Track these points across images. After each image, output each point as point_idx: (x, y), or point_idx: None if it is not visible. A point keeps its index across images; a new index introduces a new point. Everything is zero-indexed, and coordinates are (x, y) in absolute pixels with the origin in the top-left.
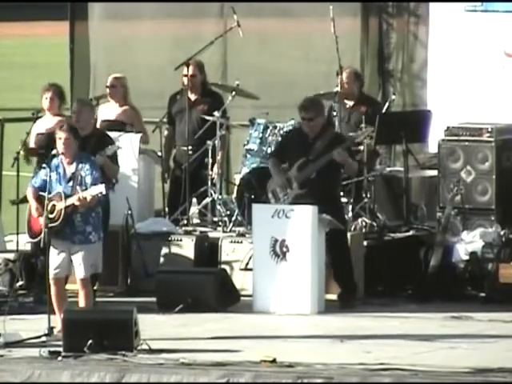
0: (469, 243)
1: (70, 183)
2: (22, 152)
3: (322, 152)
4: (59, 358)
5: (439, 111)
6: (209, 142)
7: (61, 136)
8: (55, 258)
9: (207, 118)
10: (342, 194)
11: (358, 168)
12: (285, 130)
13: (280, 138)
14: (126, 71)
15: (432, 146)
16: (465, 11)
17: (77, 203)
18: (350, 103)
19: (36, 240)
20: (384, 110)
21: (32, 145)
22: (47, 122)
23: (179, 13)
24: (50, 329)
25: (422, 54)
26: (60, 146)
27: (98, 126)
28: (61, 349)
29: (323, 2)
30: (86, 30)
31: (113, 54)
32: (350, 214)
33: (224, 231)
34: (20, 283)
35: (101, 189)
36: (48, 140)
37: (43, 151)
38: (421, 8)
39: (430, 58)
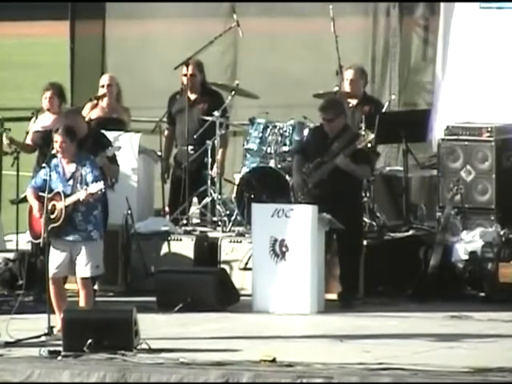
0: (468, 243)
1: (70, 182)
2: None
3: (337, 153)
4: (59, 358)
5: (448, 110)
6: (208, 142)
7: (57, 139)
8: (56, 257)
9: (206, 118)
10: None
11: (368, 171)
12: (310, 126)
13: (305, 135)
14: (138, 70)
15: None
16: (480, 8)
17: (80, 198)
18: (353, 102)
19: (39, 241)
20: (384, 110)
21: (28, 141)
22: (45, 119)
23: (192, 12)
24: (50, 328)
25: (431, 53)
26: (57, 149)
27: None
28: (61, 348)
29: (335, 2)
30: (100, 30)
31: (125, 53)
32: None
33: (223, 231)
34: (20, 283)
35: (100, 186)
36: (45, 138)
37: (41, 149)
38: (431, 7)
39: (441, 56)
